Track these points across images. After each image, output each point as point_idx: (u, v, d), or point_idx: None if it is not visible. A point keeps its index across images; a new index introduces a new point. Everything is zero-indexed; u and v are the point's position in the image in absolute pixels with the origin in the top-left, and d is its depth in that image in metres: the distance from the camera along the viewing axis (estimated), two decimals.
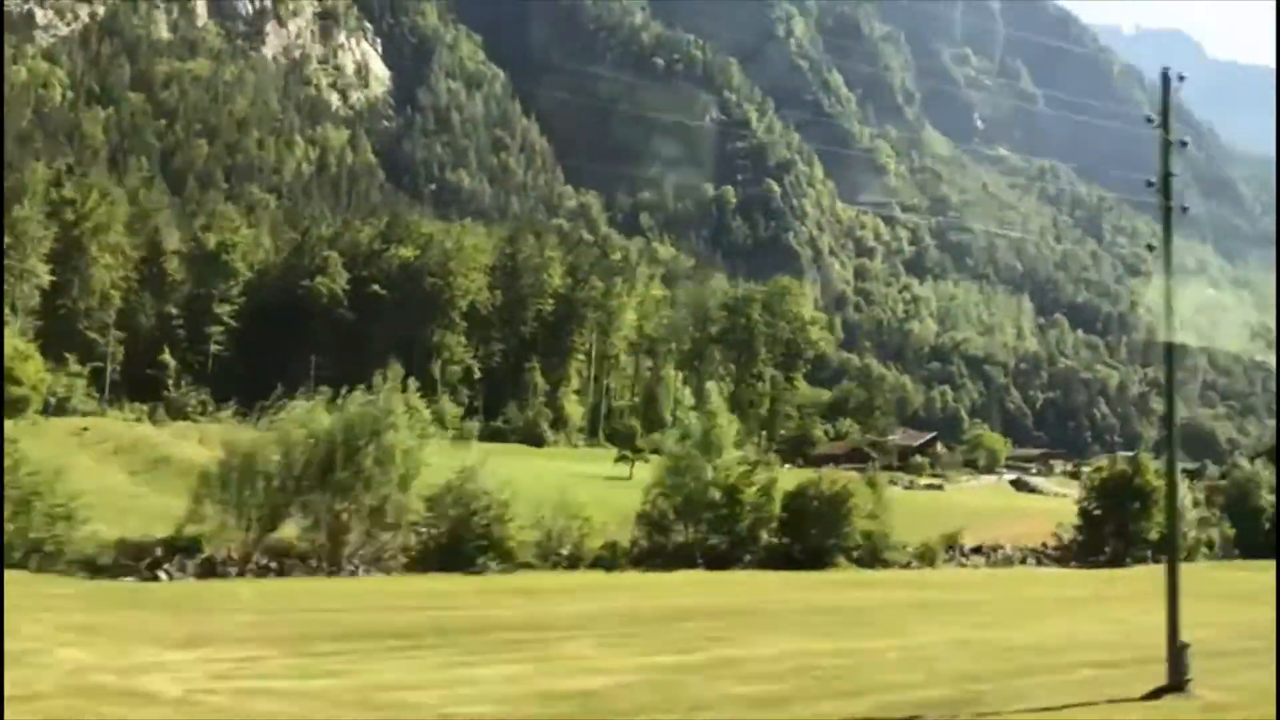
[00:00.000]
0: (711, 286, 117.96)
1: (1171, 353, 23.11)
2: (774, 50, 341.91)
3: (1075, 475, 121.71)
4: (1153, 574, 30.72)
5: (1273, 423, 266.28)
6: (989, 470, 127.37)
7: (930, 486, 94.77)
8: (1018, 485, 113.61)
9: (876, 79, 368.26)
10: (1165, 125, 20.80)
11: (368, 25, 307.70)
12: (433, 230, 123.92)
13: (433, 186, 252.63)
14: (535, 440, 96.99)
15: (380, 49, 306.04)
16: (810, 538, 49.65)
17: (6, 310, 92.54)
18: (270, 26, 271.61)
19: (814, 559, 48.71)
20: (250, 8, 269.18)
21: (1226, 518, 68.13)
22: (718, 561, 47.48)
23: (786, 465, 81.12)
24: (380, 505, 41.44)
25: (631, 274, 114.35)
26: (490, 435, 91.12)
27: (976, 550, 59.55)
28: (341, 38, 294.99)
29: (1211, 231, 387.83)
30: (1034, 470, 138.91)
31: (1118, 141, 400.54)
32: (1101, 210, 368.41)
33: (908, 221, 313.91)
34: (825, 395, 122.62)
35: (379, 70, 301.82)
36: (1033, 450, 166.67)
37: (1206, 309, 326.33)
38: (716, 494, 48.46)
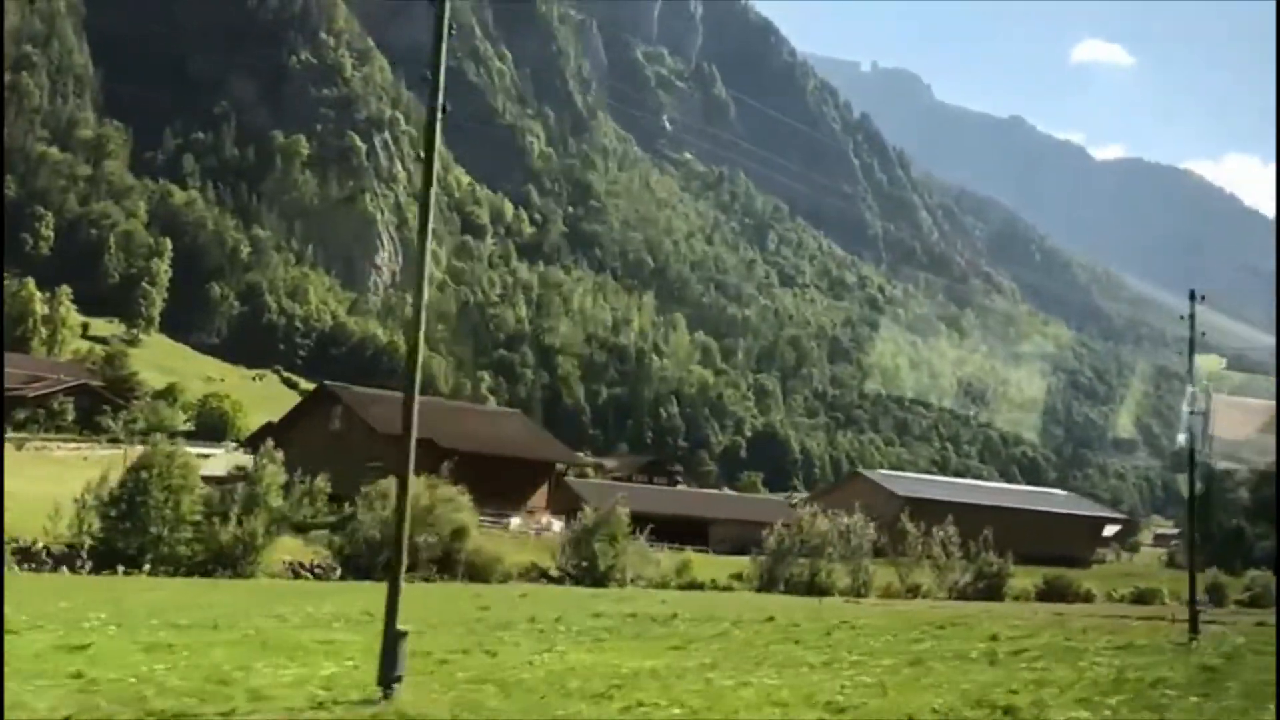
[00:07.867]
0: None
1: None
2: (421, 9, 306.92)
3: None
4: None
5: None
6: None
7: None
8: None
9: (547, 60, 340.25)
10: None
11: None
12: None
13: None
14: None
15: None
16: None
17: None
18: None
19: None
20: None
21: None
22: None
23: None
24: None
25: None
26: None
27: None
28: None
29: (887, 253, 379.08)
30: None
31: (803, 154, 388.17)
32: (771, 221, 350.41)
33: (542, 205, 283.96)
34: None
35: None
36: None
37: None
38: None
